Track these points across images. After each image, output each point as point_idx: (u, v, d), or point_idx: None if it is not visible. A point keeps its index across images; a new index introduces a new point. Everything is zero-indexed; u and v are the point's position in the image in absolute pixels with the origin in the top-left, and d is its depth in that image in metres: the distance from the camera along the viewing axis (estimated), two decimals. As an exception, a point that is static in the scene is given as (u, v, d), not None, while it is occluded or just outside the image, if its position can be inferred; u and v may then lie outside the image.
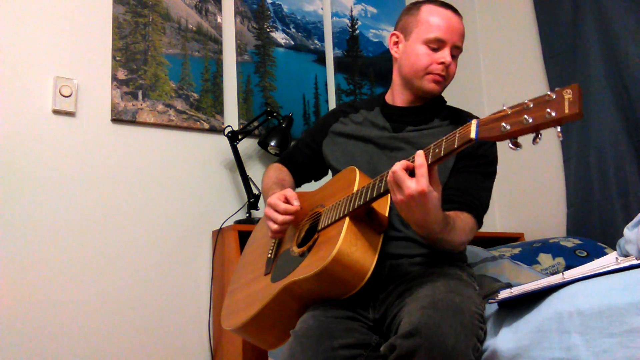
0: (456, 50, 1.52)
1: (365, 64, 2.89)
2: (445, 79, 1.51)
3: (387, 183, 1.17)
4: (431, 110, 1.57)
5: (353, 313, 1.30)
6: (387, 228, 1.32)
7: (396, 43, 1.59)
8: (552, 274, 1.99)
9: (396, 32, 1.59)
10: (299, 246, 1.42)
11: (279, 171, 1.71)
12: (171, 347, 2.13)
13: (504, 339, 1.18)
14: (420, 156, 1.13)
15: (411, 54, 1.52)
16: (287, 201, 1.43)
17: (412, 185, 1.12)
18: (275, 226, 1.43)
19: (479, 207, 1.42)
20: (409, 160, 1.16)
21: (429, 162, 1.12)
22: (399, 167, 1.14)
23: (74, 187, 2.05)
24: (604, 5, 2.58)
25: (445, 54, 1.49)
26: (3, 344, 1.85)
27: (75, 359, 1.95)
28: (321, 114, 2.67)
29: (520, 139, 0.99)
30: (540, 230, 2.82)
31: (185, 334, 2.17)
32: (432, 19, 1.51)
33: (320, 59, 2.77)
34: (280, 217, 1.41)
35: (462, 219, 1.35)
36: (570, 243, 2.31)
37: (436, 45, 1.49)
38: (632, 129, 2.46)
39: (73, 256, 2.01)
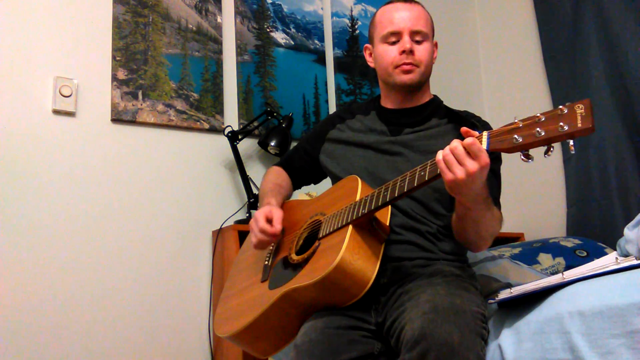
0: (417, 35, 1.51)
1: (365, 64, 2.88)
2: (416, 66, 1.51)
3: (440, 162, 1.12)
4: (428, 110, 1.57)
5: (355, 321, 1.28)
6: (389, 233, 1.32)
7: (370, 54, 1.64)
8: (552, 274, 1.99)
9: (366, 44, 1.65)
10: (298, 253, 1.41)
11: (277, 175, 1.72)
12: (171, 347, 2.13)
13: (506, 341, 1.18)
14: (467, 134, 1.12)
15: (378, 57, 1.57)
16: (269, 219, 1.46)
17: (479, 157, 1.10)
18: (254, 240, 1.48)
19: (499, 205, 1.43)
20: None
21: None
22: (457, 143, 1.12)
23: (74, 187, 2.05)
24: (604, 5, 2.58)
25: (403, 43, 1.50)
26: (3, 344, 1.85)
27: (75, 359, 1.95)
28: (321, 114, 2.67)
29: (531, 151, 1.01)
30: (540, 230, 2.82)
31: (185, 334, 2.17)
32: (383, 17, 1.56)
33: (320, 59, 2.77)
34: (259, 235, 1.46)
35: (493, 208, 1.34)
36: (570, 243, 2.31)
37: (393, 38, 1.52)
38: (632, 129, 2.46)
39: (73, 256, 2.01)
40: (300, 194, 2.25)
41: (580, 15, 2.70)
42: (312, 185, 1.84)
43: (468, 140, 1.10)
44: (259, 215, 1.48)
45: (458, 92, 3.03)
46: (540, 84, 2.93)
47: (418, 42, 1.51)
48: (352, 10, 2.94)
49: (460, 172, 1.10)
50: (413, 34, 1.51)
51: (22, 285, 1.91)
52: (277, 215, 1.47)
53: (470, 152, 1.10)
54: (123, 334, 2.05)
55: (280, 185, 1.68)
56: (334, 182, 1.61)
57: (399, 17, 1.52)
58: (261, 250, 1.58)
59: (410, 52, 1.49)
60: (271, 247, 1.56)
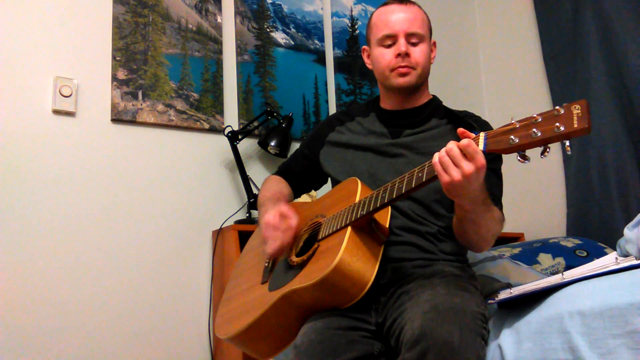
0: (413, 37, 1.51)
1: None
2: (412, 68, 1.51)
3: (437, 164, 1.12)
4: (427, 111, 1.57)
5: (355, 322, 1.28)
6: (389, 235, 1.32)
7: (368, 56, 1.63)
8: (552, 274, 1.99)
9: (364, 46, 1.65)
10: (298, 255, 1.41)
11: (276, 183, 1.70)
12: (171, 347, 2.13)
13: (506, 341, 1.18)
14: (463, 135, 1.12)
15: (374, 59, 1.57)
16: (283, 216, 1.42)
17: (475, 159, 1.09)
18: (276, 245, 1.41)
19: (501, 205, 1.42)
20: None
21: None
22: (452, 144, 1.11)
23: (74, 187, 2.05)
24: (604, 5, 2.58)
25: (398, 46, 1.50)
26: (3, 344, 1.85)
27: (74, 359, 1.95)
28: (321, 114, 2.67)
29: (528, 152, 1.01)
30: (540, 230, 2.82)
31: (185, 334, 2.17)
32: (378, 20, 1.56)
33: (320, 59, 2.77)
34: (282, 236, 1.41)
35: (494, 208, 1.34)
36: (570, 243, 2.31)
37: (389, 41, 1.52)
38: (632, 129, 2.47)
39: (72, 256, 2.01)
40: (300, 194, 2.25)
41: (580, 15, 2.70)
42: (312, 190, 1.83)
43: (464, 141, 1.10)
44: (273, 218, 1.43)
45: (458, 92, 3.03)
46: (540, 84, 2.93)
47: (414, 44, 1.51)
48: (352, 10, 2.94)
49: (456, 174, 1.10)
50: (409, 36, 1.50)
51: (22, 285, 1.91)
52: (286, 208, 1.44)
53: (466, 154, 1.10)
54: (123, 334, 2.05)
55: (281, 192, 1.65)
56: (334, 186, 1.60)
57: (394, 19, 1.51)
58: (261, 253, 1.57)
59: (406, 54, 1.49)
60: None
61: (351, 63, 2.87)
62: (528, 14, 3.03)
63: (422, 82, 1.55)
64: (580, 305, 1.07)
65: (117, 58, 2.21)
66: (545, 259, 2.20)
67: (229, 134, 2.32)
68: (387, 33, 1.51)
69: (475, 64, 3.31)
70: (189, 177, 2.30)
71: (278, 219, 1.43)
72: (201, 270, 2.24)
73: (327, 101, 2.73)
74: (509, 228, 2.98)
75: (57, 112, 2.07)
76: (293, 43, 2.70)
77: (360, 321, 1.29)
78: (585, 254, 2.22)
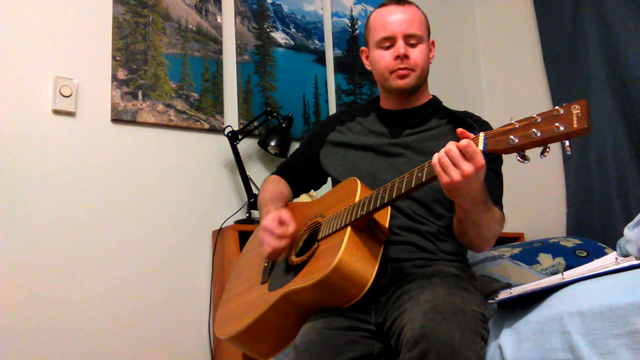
0: (412, 39, 1.50)
1: (365, 64, 2.89)
2: (411, 70, 1.50)
3: (436, 165, 1.12)
4: (427, 111, 1.57)
5: (354, 321, 1.28)
6: (388, 235, 1.32)
7: (366, 57, 1.63)
8: (552, 274, 1.99)
9: (363, 47, 1.64)
10: (298, 255, 1.41)
11: (276, 184, 1.70)
12: (171, 347, 2.13)
13: (506, 341, 1.18)
14: (462, 135, 1.12)
15: (374, 61, 1.56)
16: (282, 222, 1.43)
17: (475, 159, 1.09)
18: (269, 250, 1.43)
19: (501, 205, 1.42)
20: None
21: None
22: (452, 145, 1.11)
23: (74, 187, 2.05)
24: (603, 5, 2.58)
25: (397, 48, 1.49)
26: (3, 344, 1.85)
27: (75, 359, 1.95)
28: (321, 114, 2.67)
29: (527, 152, 1.01)
30: (540, 230, 2.82)
31: (185, 334, 2.17)
32: (376, 22, 1.55)
33: (320, 59, 2.77)
34: (275, 243, 1.42)
35: (494, 208, 1.34)
36: (570, 243, 2.31)
37: (387, 43, 1.52)
38: (632, 129, 2.47)
39: (72, 256, 2.01)
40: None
41: (580, 15, 2.70)
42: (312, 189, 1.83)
43: (463, 142, 1.10)
44: (270, 223, 1.43)
45: (458, 92, 3.03)
46: (540, 84, 2.93)
47: (413, 45, 1.50)
48: (352, 10, 2.94)
49: (456, 175, 1.10)
50: (407, 37, 1.50)
51: (22, 286, 1.91)
52: (286, 215, 1.44)
53: (465, 154, 1.10)
54: (123, 334, 2.05)
55: (281, 192, 1.65)
56: (334, 185, 1.60)
57: (392, 20, 1.51)
58: (260, 253, 1.56)
59: (405, 56, 1.49)
60: None
61: (351, 63, 2.87)
62: (528, 14, 3.03)
63: (421, 83, 1.55)
64: (580, 305, 1.07)
65: (117, 58, 2.21)
66: (545, 259, 2.20)
67: (229, 134, 2.32)
68: (385, 35, 1.51)
69: (475, 64, 3.31)
70: (189, 177, 2.30)
71: (276, 224, 1.43)
72: (201, 270, 2.24)
73: (327, 101, 2.73)
74: (509, 228, 2.98)
75: (57, 112, 2.07)
76: (293, 43, 2.70)
77: (360, 321, 1.29)
78: (585, 254, 2.22)
